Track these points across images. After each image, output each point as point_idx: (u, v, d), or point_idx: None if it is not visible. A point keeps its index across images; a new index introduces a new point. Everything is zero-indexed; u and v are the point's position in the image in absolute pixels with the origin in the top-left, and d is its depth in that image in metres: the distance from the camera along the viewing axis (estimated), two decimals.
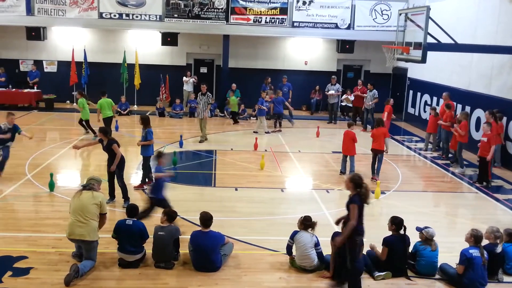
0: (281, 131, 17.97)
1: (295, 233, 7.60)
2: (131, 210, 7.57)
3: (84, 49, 20.78)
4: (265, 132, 17.44)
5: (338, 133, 17.82)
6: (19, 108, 20.03)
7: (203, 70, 22.83)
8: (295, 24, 20.58)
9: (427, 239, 7.54)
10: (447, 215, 10.36)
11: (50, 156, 13.32)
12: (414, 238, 7.66)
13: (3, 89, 20.24)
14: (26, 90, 20.33)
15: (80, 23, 20.18)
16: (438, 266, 7.53)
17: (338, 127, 19.38)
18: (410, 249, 7.62)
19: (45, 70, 21.73)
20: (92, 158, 13.86)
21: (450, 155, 14.77)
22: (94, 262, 7.23)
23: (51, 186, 10.47)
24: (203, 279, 7.09)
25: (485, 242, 7.44)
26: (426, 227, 7.69)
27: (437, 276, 7.48)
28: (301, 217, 7.68)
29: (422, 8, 13.13)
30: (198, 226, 7.68)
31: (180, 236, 7.57)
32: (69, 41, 21.28)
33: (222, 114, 20.54)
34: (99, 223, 7.33)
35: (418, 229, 7.76)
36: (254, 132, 17.41)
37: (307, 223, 7.58)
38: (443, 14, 15.58)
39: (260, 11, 20.36)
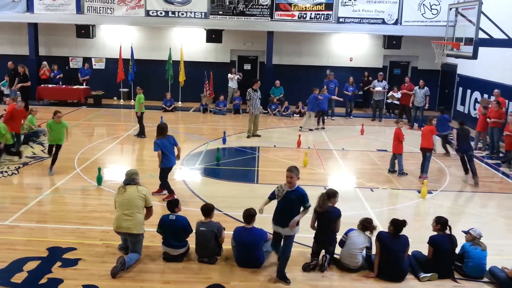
0: (324, 128, 17.80)
1: (350, 230, 7.54)
2: (170, 204, 7.68)
3: (131, 47, 21.21)
4: (309, 130, 17.29)
5: (383, 131, 17.51)
6: (68, 104, 20.67)
7: (247, 66, 22.87)
8: (340, 20, 20.31)
9: (475, 238, 7.32)
10: (496, 217, 9.97)
11: (98, 151, 13.68)
12: (461, 240, 7.42)
13: (54, 85, 20.94)
14: (75, 87, 20.95)
15: (128, 21, 20.63)
16: (487, 269, 7.26)
17: (384, 124, 19.03)
18: (458, 250, 7.39)
19: (94, 67, 22.32)
20: (138, 153, 14.15)
21: (501, 155, 14.23)
22: (140, 255, 7.36)
23: (99, 180, 10.74)
24: (245, 274, 7.10)
25: None
26: (471, 229, 7.47)
27: (485, 279, 7.22)
28: (362, 218, 7.63)
29: (474, 2, 12.73)
30: (241, 222, 7.70)
31: (223, 231, 7.60)
32: (117, 38, 21.78)
33: (266, 111, 20.52)
34: (145, 216, 7.47)
35: (464, 232, 7.53)
36: (300, 128, 17.25)
37: (366, 224, 7.48)
38: (496, 8, 14.97)
39: (305, 7, 20.21)
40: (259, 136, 15.94)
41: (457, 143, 12.29)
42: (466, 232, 7.50)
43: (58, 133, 11.50)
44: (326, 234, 7.47)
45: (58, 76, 21.36)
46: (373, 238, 7.37)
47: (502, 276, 7.03)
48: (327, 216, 7.44)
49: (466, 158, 12.17)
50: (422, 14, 20.03)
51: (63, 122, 11.60)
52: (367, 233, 7.44)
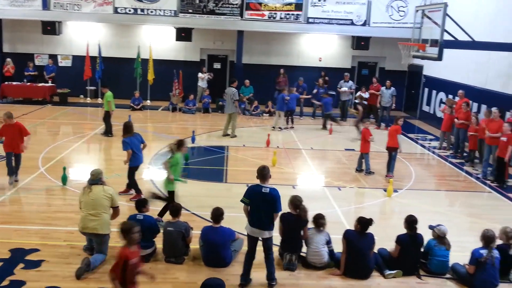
0: (293, 127, 17.90)
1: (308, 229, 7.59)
2: (138, 204, 7.59)
3: (99, 44, 20.86)
4: (279, 129, 17.36)
5: (351, 131, 17.71)
6: (33, 102, 20.19)
7: (217, 65, 22.79)
8: (310, 20, 20.45)
9: (439, 237, 7.45)
10: (460, 214, 10.23)
11: (63, 150, 13.41)
12: (427, 237, 7.57)
13: (19, 83, 20.39)
14: (40, 84, 20.48)
15: (95, 18, 20.30)
16: (450, 266, 7.44)
17: (350, 124, 19.26)
18: (424, 248, 7.54)
19: (60, 64, 21.87)
20: (105, 152, 13.94)
21: (464, 154, 14.59)
22: (105, 255, 7.27)
23: (64, 179, 10.54)
24: (212, 274, 7.06)
25: (499, 242, 7.33)
26: (438, 225, 7.62)
27: (448, 276, 7.40)
28: (314, 215, 7.65)
29: (439, 5, 13.01)
30: (209, 221, 7.68)
31: (191, 231, 7.56)
32: (84, 35, 21.38)
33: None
34: (112, 216, 7.39)
35: (430, 227, 7.69)
36: (272, 128, 17.29)
37: (320, 221, 7.54)
38: (461, 11, 15.33)
39: (275, 7, 20.27)
40: (229, 135, 15.91)
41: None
42: (432, 228, 7.65)
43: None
44: (291, 243, 7.51)
45: (33, 74, 20.81)
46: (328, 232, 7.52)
47: (463, 272, 7.23)
48: (294, 223, 7.48)
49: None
50: (390, 15, 20.36)
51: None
52: (321, 228, 7.53)
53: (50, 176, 11.10)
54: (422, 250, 7.52)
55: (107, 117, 14.99)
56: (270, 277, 6.88)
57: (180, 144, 8.90)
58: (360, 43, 20.78)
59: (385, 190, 11.17)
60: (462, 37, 13.37)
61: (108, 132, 15.11)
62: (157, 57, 21.24)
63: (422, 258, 7.52)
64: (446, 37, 12.90)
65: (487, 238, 7.11)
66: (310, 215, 7.64)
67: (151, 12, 20.13)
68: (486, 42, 13.81)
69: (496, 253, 7.09)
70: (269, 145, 14.86)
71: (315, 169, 13.05)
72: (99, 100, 20.47)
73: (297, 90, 19.22)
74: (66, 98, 20.86)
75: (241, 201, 6.83)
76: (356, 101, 21.21)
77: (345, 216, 9.56)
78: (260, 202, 6.67)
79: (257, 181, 6.82)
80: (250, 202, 6.75)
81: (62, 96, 20.76)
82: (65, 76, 21.44)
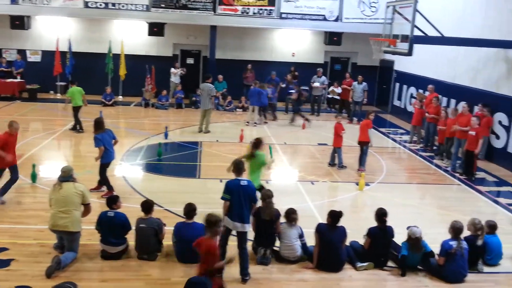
0: (267, 123, 17.95)
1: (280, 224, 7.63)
2: (109, 201, 7.52)
3: (69, 39, 20.47)
4: (254, 123, 17.36)
5: (323, 125, 17.86)
6: (1, 98, 19.70)
7: (190, 61, 22.64)
8: (283, 15, 20.49)
9: (411, 238, 7.30)
10: (430, 207, 10.43)
11: (33, 147, 13.16)
12: (397, 230, 7.68)
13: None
14: (9, 80, 20.01)
15: (65, 12, 19.90)
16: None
17: (323, 119, 19.41)
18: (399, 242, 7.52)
19: (29, 59, 21.39)
20: (75, 148, 13.74)
21: (434, 147, 14.87)
22: (76, 253, 7.17)
23: (34, 177, 10.36)
24: (186, 270, 7.06)
25: (467, 233, 7.51)
26: (411, 226, 7.49)
27: (418, 267, 7.52)
28: (286, 209, 7.69)
29: (409, 1, 13.16)
30: (182, 217, 7.65)
31: (164, 228, 7.53)
32: (54, 30, 20.94)
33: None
34: (83, 213, 7.29)
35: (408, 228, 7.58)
36: (247, 123, 17.29)
37: (292, 216, 7.58)
38: (430, 7, 15.57)
39: (248, 2, 20.23)
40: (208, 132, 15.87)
41: None
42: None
43: None
44: (266, 237, 7.55)
45: (6, 70, 20.37)
46: (301, 225, 7.57)
47: (433, 263, 7.37)
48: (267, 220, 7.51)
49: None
50: (361, 11, 20.54)
51: None
52: (293, 223, 7.57)
53: (19, 174, 10.84)
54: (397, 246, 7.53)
55: (76, 112, 14.77)
56: (244, 272, 6.90)
57: (258, 143, 9.01)
58: (332, 38, 20.92)
59: (357, 184, 11.31)
60: (431, 32, 13.59)
61: (77, 127, 14.88)
62: (129, 52, 20.98)
63: (394, 250, 7.58)
64: (416, 32, 13.07)
65: (456, 230, 7.26)
66: (283, 210, 7.68)
67: (123, 6, 19.84)
68: (454, 37, 14.07)
69: (464, 244, 7.25)
70: (243, 140, 14.86)
71: (288, 163, 13.11)
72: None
73: (271, 84, 19.30)
74: (36, 94, 20.42)
75: (222, 198, 6.88)
76: (329, 96, 21.46)
77: (318, 210, 9.64)
78: (241, 196, 6.80)
79: (231, 177, 6.86)
80: (231, 197, 6.80)
81: (31, 92, 20.32)
82: (35, 72, 20.98)
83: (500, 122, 13.63)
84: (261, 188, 8.63)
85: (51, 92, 21.50)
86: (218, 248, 5.91)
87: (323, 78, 20.44)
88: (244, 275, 6.90)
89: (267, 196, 7.57)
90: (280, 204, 7.87)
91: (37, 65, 21.38)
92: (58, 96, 21.03)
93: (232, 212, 6.84)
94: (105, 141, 9.61)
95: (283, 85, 19.81)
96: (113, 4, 19.82)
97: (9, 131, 9.22)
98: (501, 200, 10.98)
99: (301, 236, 7.54)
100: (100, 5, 19.79)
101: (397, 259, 7.55)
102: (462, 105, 13.04)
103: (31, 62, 21.34)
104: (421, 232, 7.37)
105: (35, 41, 21.42)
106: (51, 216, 7.10)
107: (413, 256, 7.35)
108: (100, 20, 21.05)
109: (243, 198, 6.81)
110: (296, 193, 10.75)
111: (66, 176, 7.24)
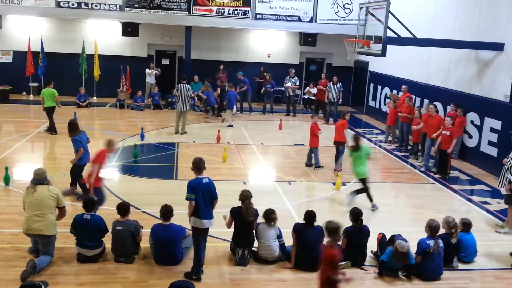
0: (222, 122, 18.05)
1: (257, 224, 7.65)
2: (85, 203, 7.41)
3: (41, 39, 20.12)
4: (228, 126, 17.34)
5: (300, 126, 17.96)
6: None
7: (165, 61, 22.51)
8: (258, 16, 20.54)
9: (397, 250, 7.18)
10: (405, 206, 10.59)
11: (6, 149, 12.89)
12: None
13: None
14: None
15: (37, 12, 19.55)
16: None
17: (299, 119, 19.51)
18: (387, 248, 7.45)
19: (0, 60, 20.94)
20: (49, 151, 13.51)
21: (409, 147, 15.10)
22: (52, 257, 7.06)
23: (7, 180, 10.14)
24: (163, 272, 7.03)
25: (442, 231, 7.64)
26: (400, 239, 7.36)
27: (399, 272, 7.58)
28: (265, 210, 7.70)
29: (382, 3, 13.32)
30: (159, 219, 7.60)
31: (141, 230, 7.47)
32: (25, 30, 20.55)
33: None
34: (58, 216, 7.18)
35: (397, 237, 7.50)
36: (228, 125, 17.29)
37: (271, 216, 7.60)
38: (403, 8, 15.85)
39: (223, 3, 20.22)
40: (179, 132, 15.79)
41: None
42: (397, 239, 7.40)
43: None
44: (245, 238, 7.57)
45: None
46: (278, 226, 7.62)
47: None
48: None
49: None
50: (335, 12, 20.74)
51: None
52: (272, 223, 7.59)
53: None
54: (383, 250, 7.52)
55: (50, 114, 14.55)
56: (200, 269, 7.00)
57: (357, 139, 10.38)
58: (307, 39, 21.07)
59: (334, 184, 11.42)
60: (404, 34, 13.80)
61: (51, 129, 14.64)
62: (103, 53, 20.75)
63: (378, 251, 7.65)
64: (389, 34, 13.25)
65: (433, 229, 7.36)
66: (261, 210, 7.70)
67: (96, 6, 19.59)
68: (427, 38, 14.33)
69: (440, 243, 7.37)
70: (220, 141, 14.84)
71: (265, 164, 13.15)
72: None
73: (240, 85, 19.45)
74: (8, 95, 20.00)
75: (187, 198, 6.84)
76: (305, 96, 21.58)
77: (295, 210, 9.70)
78: (205, 194, 6.85)
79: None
80: (196, 196, 6.79)
81: (2, 93, 19.86)
82: (6, 73, 20.55)
83: (472, 122, 13.93)
84: (364, 179, 10.03)
85: (24, 93, 21.07)
86: (338, 256, 5.75)
87: (296, 78, 20.48)
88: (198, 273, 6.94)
89: (246, 197, 7.57)
90: (258, 205, 7.89)
91: (9, 66, 20.94)
92: (31, 97, 20.64)
93: (199, 211, 6.83)
94: (84, 143, 9.52)
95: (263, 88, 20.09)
96: (86, 4, 19.56)
97: None
98: (475, 198, 11.21)
99: (279, 236, 7.58)
100: (73, 4, 19.51)
101: (378, 258, 7.62)
102: (430, 106, 13.16)
103: (2, 63, 20.89)
104: (409, 245, 7.24)
105: (6, 41, 20.97)
106: (25, 220, 6.98)
107: (395, 264, 7.35)
108: (73, 20, 20.75)
109: (206, 196, 6.88)
110: (274, 193, 10.79)
111: (40, 178, 7.12)
